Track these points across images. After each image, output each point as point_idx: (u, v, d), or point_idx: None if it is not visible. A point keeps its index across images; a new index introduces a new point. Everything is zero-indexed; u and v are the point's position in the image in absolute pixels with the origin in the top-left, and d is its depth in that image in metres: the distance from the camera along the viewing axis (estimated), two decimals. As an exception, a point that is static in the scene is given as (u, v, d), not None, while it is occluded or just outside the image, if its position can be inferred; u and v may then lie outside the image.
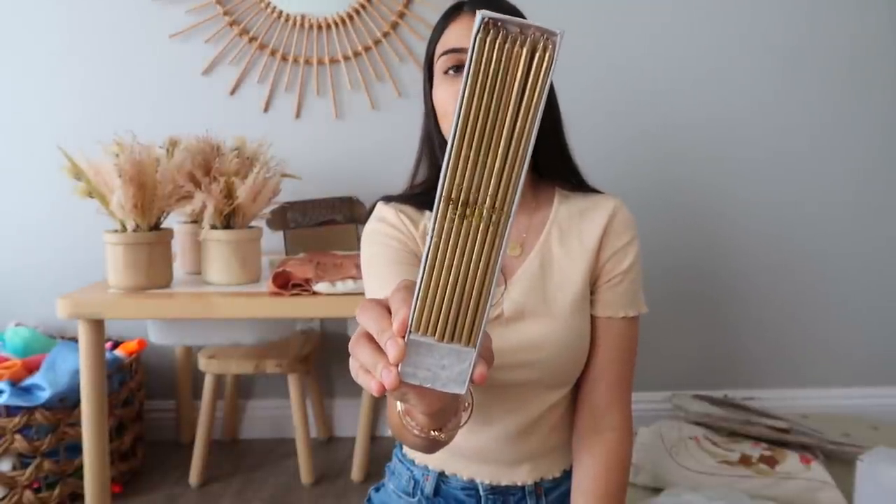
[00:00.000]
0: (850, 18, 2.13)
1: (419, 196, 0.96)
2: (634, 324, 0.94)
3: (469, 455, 0.94)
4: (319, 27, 2.12)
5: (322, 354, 2.23)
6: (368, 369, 0.47)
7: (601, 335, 0.92)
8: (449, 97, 0.88)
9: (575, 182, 0.97)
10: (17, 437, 1.71)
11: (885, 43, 2.14)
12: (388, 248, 0.91)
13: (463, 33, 0.88)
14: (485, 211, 0.45)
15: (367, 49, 2.12)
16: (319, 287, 1.52)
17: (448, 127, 0.89)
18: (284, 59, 2.13)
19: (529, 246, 0.93)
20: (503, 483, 0.94)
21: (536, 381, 0.90)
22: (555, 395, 0.92)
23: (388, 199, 0.97)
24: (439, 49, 0.90)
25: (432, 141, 0.96)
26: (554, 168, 0.96)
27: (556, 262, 0.92)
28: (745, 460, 1.58)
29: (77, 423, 1.70)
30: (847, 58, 2.14)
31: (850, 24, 2.13)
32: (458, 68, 0.88)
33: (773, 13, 2.12)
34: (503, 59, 0.43)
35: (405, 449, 1.01)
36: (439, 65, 0.90)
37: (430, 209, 0.94)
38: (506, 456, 0.93)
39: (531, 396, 0.91)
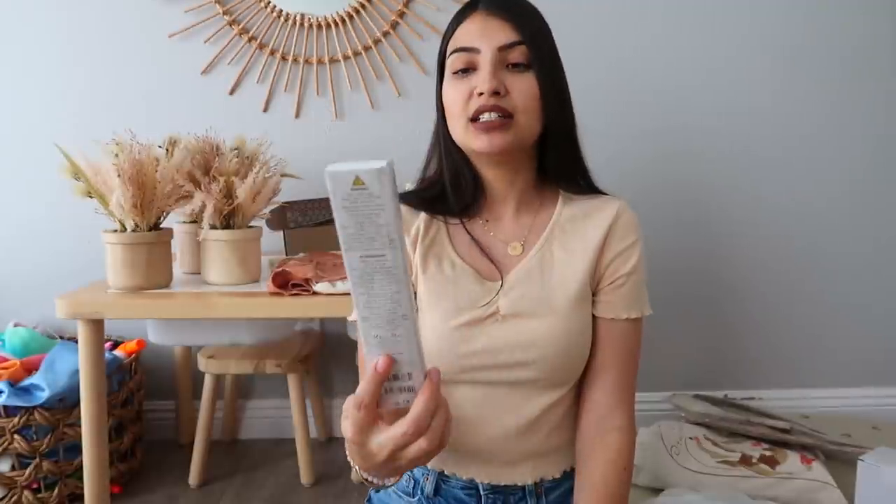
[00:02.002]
0: (850, 18, 2.12)
1: (419, 193, 0.97)
2: (638, 325, 0.93)
3: (469, 455, 0.94)
4: (319, 27, 2.12)
5: (322, 354, 2.23)
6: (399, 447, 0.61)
7: (604, 336, 0.92)
8: (456, 98, 0.89)
9: (584, 185, 0.97)
10: (17, 437, 1.71)
11: (885, 43, 2.14)
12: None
13: (474, 32, 0.88)
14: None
15: (367, 49, 2.12)
16: (319, 287, 1.52)
17: (454, 126, 0.91)
18: (284, 58, 2.12)
19: (530, 245, 0.93)
20: (503, 483, 0.94)
21: (534, 379, 0.90)
22: (554, 395, 0.92)
23: None
24: (450, 47, 0.91)
25: (440, 136, 0.97)
26: (562, 171, 0.96)
27: (557, 262, 0.92)
28: (745, 460, 1.58)
29: (76, 424, 1.69)
30: (847, 58, 2.14)
31: (850, 24, 2.13)
32: (465, 70, 0.88)
33: (773, 13, 2.12)
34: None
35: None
36: (449, 63, 0.91)
37: (427, 210, 0.95)
38: (506, 456, 0.93)
39: (530, 396, 0.91)
